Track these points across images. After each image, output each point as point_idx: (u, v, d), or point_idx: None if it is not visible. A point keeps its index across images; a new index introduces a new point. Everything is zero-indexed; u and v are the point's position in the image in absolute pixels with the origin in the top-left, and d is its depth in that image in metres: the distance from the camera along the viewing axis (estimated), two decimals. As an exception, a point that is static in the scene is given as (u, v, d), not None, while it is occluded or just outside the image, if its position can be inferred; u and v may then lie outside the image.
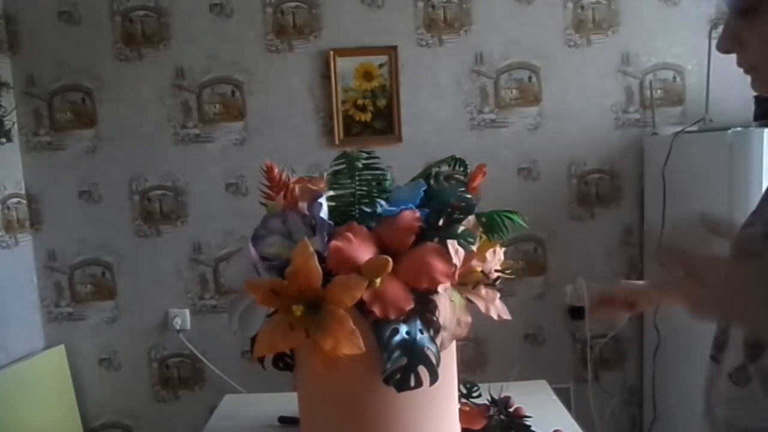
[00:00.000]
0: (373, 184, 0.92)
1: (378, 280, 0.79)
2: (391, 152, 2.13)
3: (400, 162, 2.05)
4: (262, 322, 0.85)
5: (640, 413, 2.36)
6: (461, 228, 0.88)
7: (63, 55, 2.22)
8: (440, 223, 0.88)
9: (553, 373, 1.87)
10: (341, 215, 0.90)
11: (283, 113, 2.25)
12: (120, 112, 2.25)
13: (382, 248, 0.84)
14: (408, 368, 0.82)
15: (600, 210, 2.31)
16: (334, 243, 0.82)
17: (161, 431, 2.38)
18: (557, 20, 2.24)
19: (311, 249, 0.79)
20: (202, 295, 2.33)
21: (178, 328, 2.31)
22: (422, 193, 0.89)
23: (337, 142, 2.23)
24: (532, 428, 1.15)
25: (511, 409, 1.19)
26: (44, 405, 2.15)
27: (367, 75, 2.22)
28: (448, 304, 0.87)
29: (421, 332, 0.83)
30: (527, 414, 1.18)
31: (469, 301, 0.92)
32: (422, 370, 0.82)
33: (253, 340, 0.85)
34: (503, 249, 0.97)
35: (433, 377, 0.83)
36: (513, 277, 1.00)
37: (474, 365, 2.32)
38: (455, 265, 0.84)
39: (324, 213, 0.85)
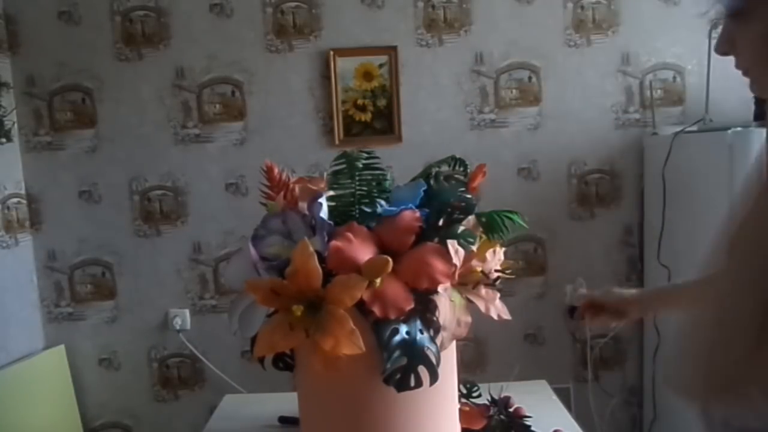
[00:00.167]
0: (373, 184, 0.92)
1: (378, 280, 0.79)
2: (391, 152, 2.13)
3: (400, 162, 2.05)
4: (262, 322, 0.85)
5: (640, 413, 2.36)
6: (461, 228, 0.88)
7: (63, 55, 2.22)
8: (440, 223, 0.88)
9: (553, 373, 1.87)
10: (341, 215, 0.90)
11: (283, 113, 2.25)
12: (120, 112, 2.25)
13: (382, 248, 0.84)
14: (408, 368, 0.82)
15: (600, 210, 2.31)
16: (334, 243, 0.82)
17: (161, 431, 2.38)
18: (557, 20, 2.24)
19: (311, 249, 0.79)
20: (202, 295, 2.33)
21: (178, 328, 2.31)
22: (422, 193, 0.89)
23: (337, 142, 2.23)
24: (532, 428, 1.15)
25: (511, 409, 1.19)
26: (44, 405, 2.15)
27: (367, 75, 2.22)
28: (448, 304, 0.87)
29: (421, 332, 0.83)
30: (527, 414, 1.18)
31: (469, 301, 0.92)
32: (422, 370, 0.82)
33: (253, 340, 0.85)
34: (503, 249, 0.97)
35: (433, 377, 0.83)
36: (513, 277, 1.00)
37: (474, 365, 2.32)
38: (455, 265, 0.84)
39: (324, 213, 0.85)
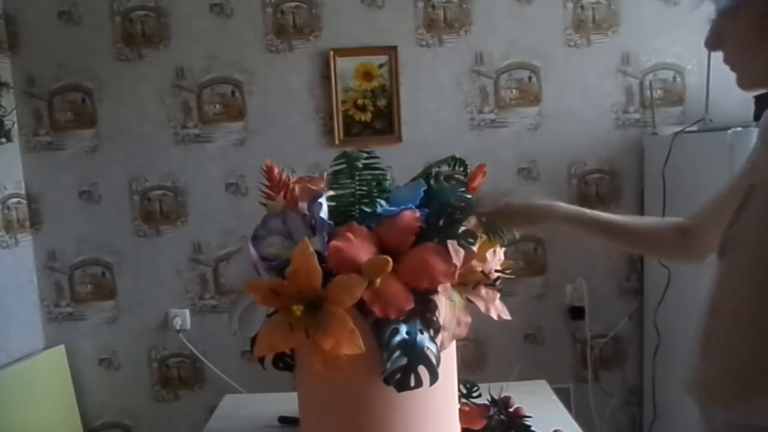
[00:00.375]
0: (373, 184, 0.92)
1: (378, 280, 0.79)
2: (391, 152, 2.12)
3: (400, 162, 2.05)
4: (262, 322, 0.85)
5: (640, 413, 2.36)
6: (461, 228, 0.88)
7: (63, 55, 2.22)
8: (440, 223, 0.88)
9: (553, 373, 1.87)
10: (341, 215, 0.90)
11: (283, 113, 2.25)
12: (120, 112, 2.25)
13: (382, 248, 0.84)
14: (408, 368, 0.82)
15: (600, 210, 2.30)
16: (334, 243, 0.82)
17: (161, 431, 2.38)
18: (557, 20, 2.24)
19: (311, 249, 0.79)
20: (202, 295, 2.33)
21: (178, 328, 2.30)
22: (422, 193, 0.89)
23: (337, 142, 2.23)
24: (532, 428, 1.15)
25: (511, 409, 1.19)
26: (44, 405, 2.15)
27: (367, 75, 2.21)
28: (448, 304, 0.87)
29: (421, 332, 0.83)
30: (527, 414, 1.18)
31: (469, 301, 0.92)
32: (422, 370, 0.82)
33: (253, 340, 0.85)
34: (503, 249, 0.97)
35: (433, 377, 0.83)
36: (513, 277, 1.00)
37: (474, 365, 2.32)
38: (455, 265, 0.84)
39: (324, 213, 0.85)
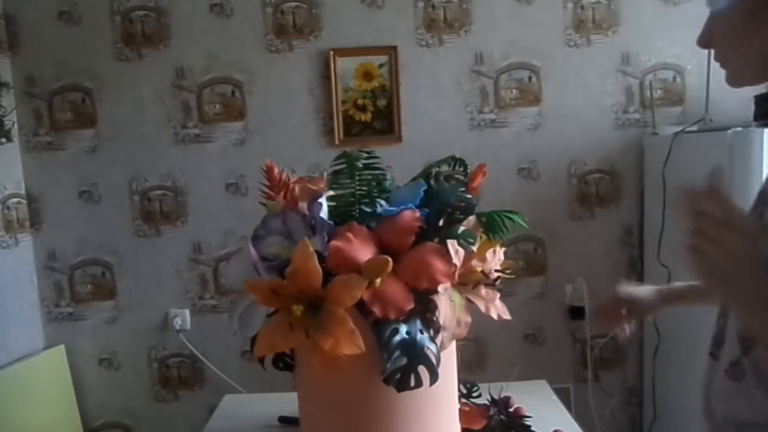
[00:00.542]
0: (373, 184, 0.92)
1: (378, 280, 0.79)
2: (391, 152, 2.13)
3: (400, 162, 2.05)
4: (262, 322, 0.85)
5: (640, 413, 2.36)
6: (461, 228, 0.88)
7: (63, 55, 2.22)
8: (440, 223, 0.88)
9: (553, 373, 1.87)
10: (341, 215, 0.90)
11: (283, 113, 2.25)
12: (120, 112, 2.25)
13: (382, 248, 0.84)
14: (408, 368, 0.82)
15: (600, 210, 2.31)
16: (334, 243, 0.82)
17: (161, 431, 2.38)
18: (557, 20, 2.24)
19: (311, 249, 0.79)
20: (202, 295, 2.33)
21: (178, 328, 2.31)
22: (422, 193, 0.89)
23: (337, 142, 2.23)
24: (532, 428, 1.15)
25: (511, 409, 1.19)
26: (44, 405, 2.15)
27: (367, 75, 2.21)
28: (448, 304, 0.87)
29: (421, 332, 0.83)
30: (527, 414, 1.18)
31: (469, 301, 0.92)
32: (422, 370, 0.82)
33: (253, 340, 0.85)
34: (503, 249, 0.97)
35: (433, 377, 0.83)
36: (513, 277, 1.00)
37: (474, 365, 2.32)
38: (455, 265, 0.84)
39: (324, 213, 0.85)
